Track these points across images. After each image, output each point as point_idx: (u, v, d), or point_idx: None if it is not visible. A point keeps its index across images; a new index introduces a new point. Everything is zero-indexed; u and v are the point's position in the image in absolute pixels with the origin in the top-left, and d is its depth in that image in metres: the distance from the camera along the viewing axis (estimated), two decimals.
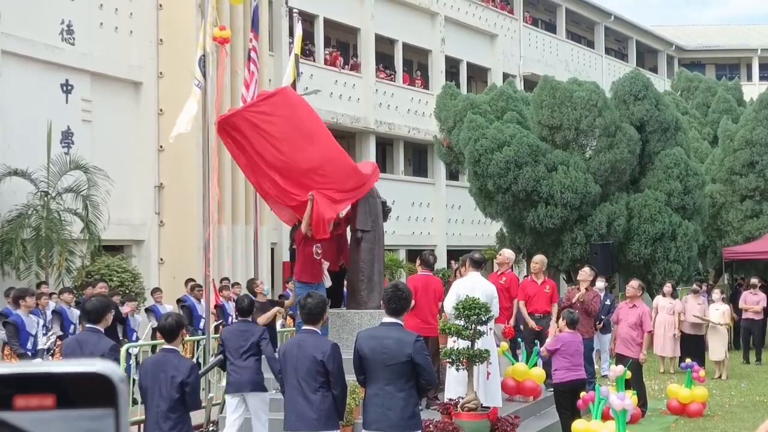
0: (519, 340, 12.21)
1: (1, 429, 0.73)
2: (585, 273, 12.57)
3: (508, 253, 12.82)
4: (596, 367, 14.11)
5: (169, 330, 6.57)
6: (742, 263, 23.33)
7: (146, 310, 15.28)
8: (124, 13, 19.17)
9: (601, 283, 14.80)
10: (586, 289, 12.28)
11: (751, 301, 18.59)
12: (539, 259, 12.85)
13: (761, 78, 47.44)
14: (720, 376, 16.15)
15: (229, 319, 15.47)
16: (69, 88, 17.69)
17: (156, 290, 15.66)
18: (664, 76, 45.23)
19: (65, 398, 0.75)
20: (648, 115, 22.10)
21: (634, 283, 12.76)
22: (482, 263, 10.43)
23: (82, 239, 16.31)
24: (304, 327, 6.52)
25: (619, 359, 11.86)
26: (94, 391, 0.76)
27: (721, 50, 48.46)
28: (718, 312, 16.84)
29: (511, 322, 11.88)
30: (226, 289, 16.29)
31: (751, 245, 22.29)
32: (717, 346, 16.54)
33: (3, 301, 13.45)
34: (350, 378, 7.93)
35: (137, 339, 13.00)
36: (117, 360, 6.90)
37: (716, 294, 17.52)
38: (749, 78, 47.68)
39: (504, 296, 11.74)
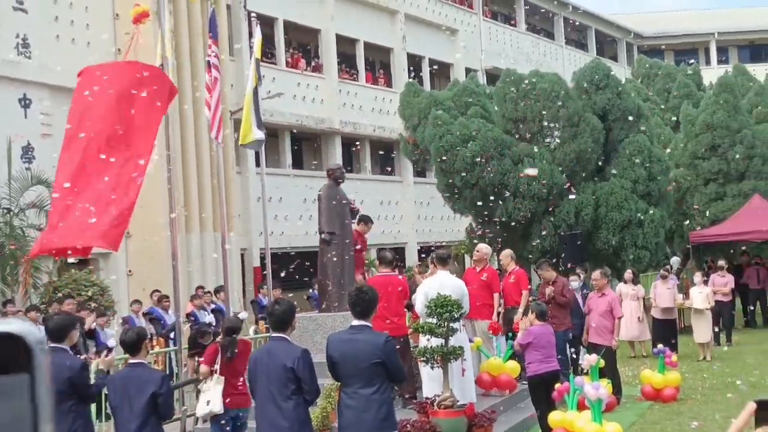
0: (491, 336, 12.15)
1: None
2: (596, 275, 12.79)
3: (485, 249, 12.49)
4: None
5: (130, 344, 6.50)
6: (709, 246, 23.56)
7: (123, 319, 15.19)
8: (80, 24, 18.95)
9: (575, 283, 14.86)
10: (553, 283, 12.33)
11: (720, 283, 18.76)
12: (504, 254, 13.10)
13: (719, 62, 48.03)
14: (704, 358, 16.32)
15: None
16: (27, 102, 17.47)
17: (135, 302, 15.67)
18: (624, 63, 45.63)
19: None
20: (610, 104, 22.25)
21: (597, 274, 12.91)
22: (448, 259, 10.40)
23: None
24: (274, 334, 6.47)
25: (592, 348, 11.95)
26: (6, 356, 0.64)
27: (679, 36, 48.95)
28: (702, 295, 16.99)
29: (494, 317, 11.81)
30: (198, 298, 16.22)
31: (716, 228, 22.51)
32: (703, 329, 16.66)
33: None
34: (324, 381, 7.90)
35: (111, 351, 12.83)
36: (88, 378, 6.76)
37: (698, 277, 17.70)
38: (708, 62, 48.23)
39: (486, 293, 11.69)
